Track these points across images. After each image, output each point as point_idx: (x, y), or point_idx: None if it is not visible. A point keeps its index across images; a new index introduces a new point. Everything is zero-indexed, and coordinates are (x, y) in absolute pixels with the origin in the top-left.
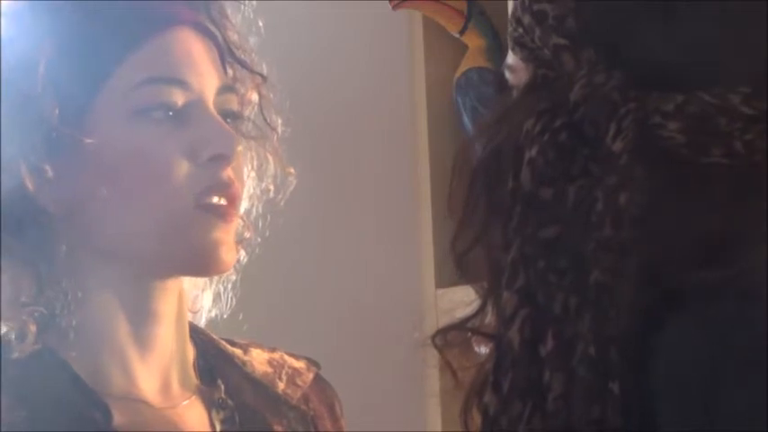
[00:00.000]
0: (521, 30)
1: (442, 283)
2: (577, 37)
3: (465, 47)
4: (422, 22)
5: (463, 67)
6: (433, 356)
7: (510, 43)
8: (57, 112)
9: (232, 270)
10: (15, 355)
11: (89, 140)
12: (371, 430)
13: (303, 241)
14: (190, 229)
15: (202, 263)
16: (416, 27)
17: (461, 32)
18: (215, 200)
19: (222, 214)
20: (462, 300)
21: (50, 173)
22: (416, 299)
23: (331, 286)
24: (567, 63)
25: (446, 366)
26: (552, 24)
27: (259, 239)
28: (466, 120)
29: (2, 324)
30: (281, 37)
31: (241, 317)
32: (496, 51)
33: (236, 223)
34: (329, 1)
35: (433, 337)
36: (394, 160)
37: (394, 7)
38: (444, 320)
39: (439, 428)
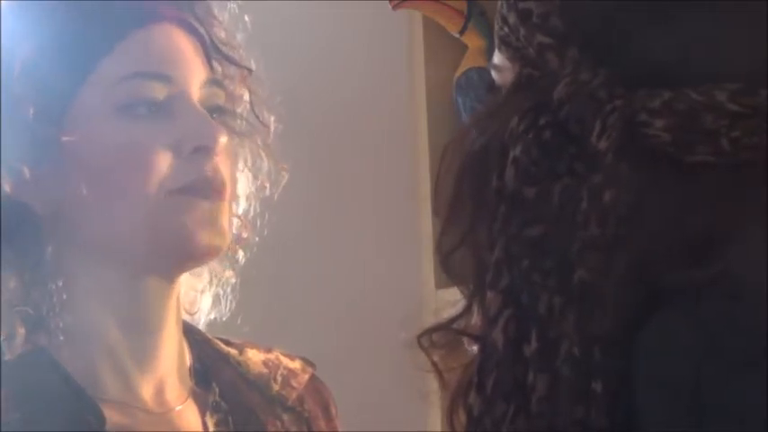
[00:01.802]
0: (506, 28)
1: (441, 283)
2: (562, 35)
3: (465, 47)
4: (422, 22)
5: (463, 68)
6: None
7: (496, 42)
8: (32, 111)
9: (232, 273)
10: (6, 356)
11: (68, 138)
12: (371, 430)
13: (303, 242)
14: (171, 216)
15: (187, 249)
16: (416, 27)
17: (461, 32)
18: (201, 193)
19: (204, 197)
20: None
21: (28, 174)
22: (416, 299)
23: (331, 287)
24: (551, 61)
25: (432, 367)
26: (537, 23)
27: (257, 239)
28: (466, 120)
29: None
30: (279, 38)
31: (239, 321)
32: None
33: (223, 209)
34: (329, 1)
35: (419, 338)
36: (394, 160)
37: (394, 7)
38: None
39: (438, 428)
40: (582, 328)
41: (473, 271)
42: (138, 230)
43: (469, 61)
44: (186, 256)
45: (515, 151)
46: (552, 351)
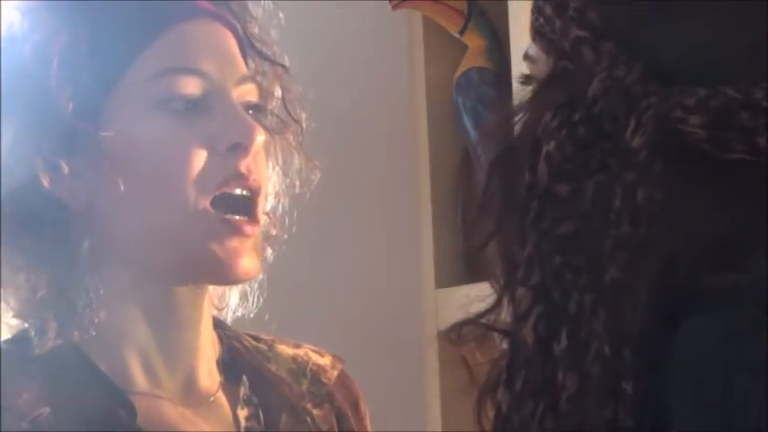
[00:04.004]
0: (541, 20)
1: (441, 283)
2: (598, 29)
3: (465, 47)
4: (422, 22)
5: (463, 67)
6: (433, 356)
7: (531, 33)
8: (71, 106)
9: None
10: (36, 351)
11: (105, 134)
12: (371, 430)
13: (301, 241)
14: (206, 239)
15: (219, 274)
16: (416, 27)
17: (461, 32)
18: (237, 191)
19: (241, 226)
20: (463, 298)
21: (66, 168)
22: (416, 299)
23: (330, 286)
24: (586, 56)
25: (461, 361)
26: (573, 16)
27: (285, 236)
28: (466, 120)
29: (21, 321)
30: (278, 38)
31: (267, 317)
32: (496, 51)
33: (258, 231)
34: (329, 1)
35: (448, 332)
36: (394, 160)
37: (394, 7)
38: (444, 320)
39: (439, 428)
40: (612, 328)
41: (503, 266)
42: (171, 245)
43: (469, 61)
44: (222, 281)
45: (548, 147)
46: (582, 350)
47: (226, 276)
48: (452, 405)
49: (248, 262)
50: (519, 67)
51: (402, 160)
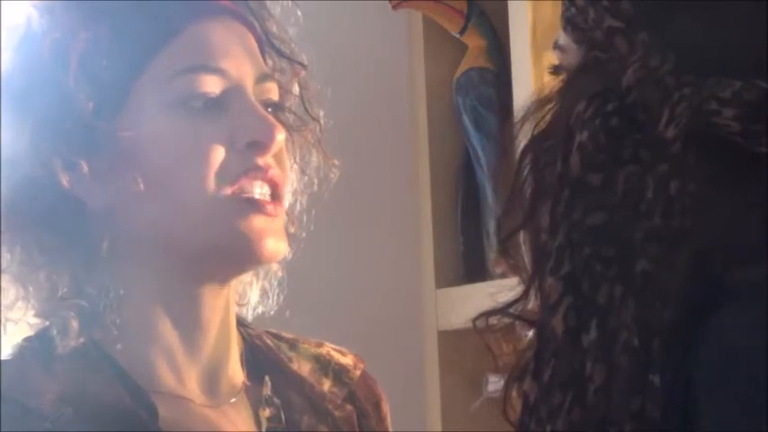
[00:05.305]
0: (573, 10)
1: (441, 283)
2: (632, 19)
3: (465, 47)
4: (422, 22)
5: (463, 67)
6: (433, 356)
7: (562, 23)
8: (91, 105)
9: (278, 266)
10: (58, 350)
11: (126, 133)
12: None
13: (301, 241)
14: (231, 219)
15: (246, 253)
16: (416, 27)
17: (461, 32)
18: (257, 189)
19: (264, 205)
20: (463, 298)
21: (86, 168)
22: (416, 299)
23: (330, 286)
24: (620, 46)
25: (487, 350)
26: (606, 5)
27: (304, 234)
28: (466, 120)
29: (43, 320)
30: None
31: (288, 313)
32: (496, 51)
33: (282, 213)
34: (329, 1)
35: (475, 321)
36: (394, 160)
37: (394, 7)
38: (444, 320)
39: (439, 428)
40: (641, 320)
41: (532, 256)
42: (195, 232)
43: (469, 61)
44: (250, 261)
45: (581, 137)
46: (611, 341)
47: (253, 256)
48: (452, 405)
49: (275, 243)
50: (519, 68)
51: (402, 160)
